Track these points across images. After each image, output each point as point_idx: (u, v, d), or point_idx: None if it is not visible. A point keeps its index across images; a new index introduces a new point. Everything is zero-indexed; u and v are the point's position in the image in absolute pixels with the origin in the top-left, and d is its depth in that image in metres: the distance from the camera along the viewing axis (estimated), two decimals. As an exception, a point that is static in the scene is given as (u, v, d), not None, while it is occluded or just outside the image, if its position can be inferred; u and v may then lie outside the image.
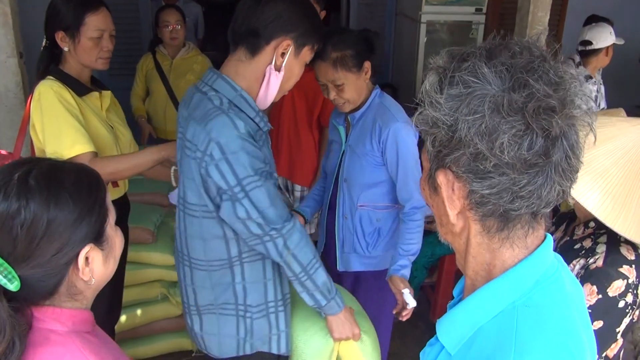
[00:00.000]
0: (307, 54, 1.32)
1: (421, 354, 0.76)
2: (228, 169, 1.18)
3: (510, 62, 0.59)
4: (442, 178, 0.64)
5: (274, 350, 1.42)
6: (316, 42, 1.33)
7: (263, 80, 1.28)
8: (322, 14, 2.35)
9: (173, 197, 1.88)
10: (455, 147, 0.61)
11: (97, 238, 0.85)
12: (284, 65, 1.27)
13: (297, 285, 1.34)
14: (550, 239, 0.68)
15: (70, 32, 1.64)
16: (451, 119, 0.60)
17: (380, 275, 1.81)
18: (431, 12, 4.18)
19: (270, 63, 1.26)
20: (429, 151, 0.66)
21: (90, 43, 1.66)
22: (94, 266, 0.85)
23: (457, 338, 0.67)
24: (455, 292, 0.78)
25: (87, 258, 0.83)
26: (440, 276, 2.86)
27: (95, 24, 1.66)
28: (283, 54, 1.26)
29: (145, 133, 3.14)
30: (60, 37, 1.65)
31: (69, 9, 1.63)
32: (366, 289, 1.90)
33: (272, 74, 1.27)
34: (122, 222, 1.92)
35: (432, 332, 0.74)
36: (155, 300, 2.46)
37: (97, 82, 1.83)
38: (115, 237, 0.90)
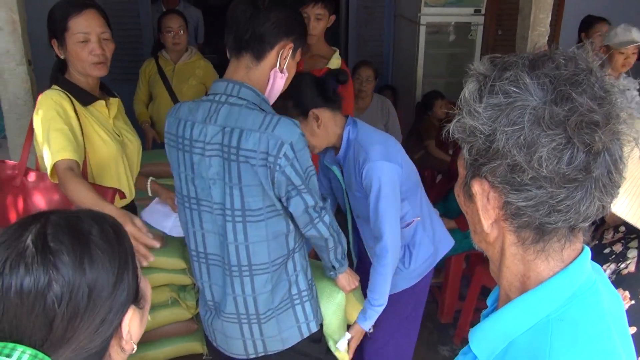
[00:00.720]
0: (299, 55, 1.40)
1: None
2: (299, 166, 1.26)
3: (554, 74, 0.58)
4: (477, 187, 0.64)
5: (320, 320, 1.55)
6: (305, 44, 1.42)
7: (268, 84, 1.33)
8: (332, 19, 2.38)
9: (146, 215, 1.89)
10: (492, 158, 0.60)
11: (136, 296, 0.71)
12: (285, 67, 1.33)
13: (331, 254, 1.48)
14: (587, 251, 0.67)
15: (60, 39, 1.59)
16: (489, 128, 0.59)
17: (412, 289, 1.85)
18: (430, 14, 4.21)
19: (275, 66, 1.31)
20: (465, 159, 0.65)
21: (77, 48, 1.58)
22: (132, 330, 0.70)
23: (490, 349, 0.66)
24: (489, 301, 0.78)
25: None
26: (447, 276, 2.88)
27: (78, 27, 1.57)
28: (285, 57, 1.33)
29: (149, 138, 3.15)
30: (55, 45, 1.61)
31: (55, 15, 1.57)
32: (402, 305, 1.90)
33: (278, 76, 1.33)
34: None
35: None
36: (166, 305, 2.46)
37: (106, 89, 1.79)
38: (147, 288, 0.76)
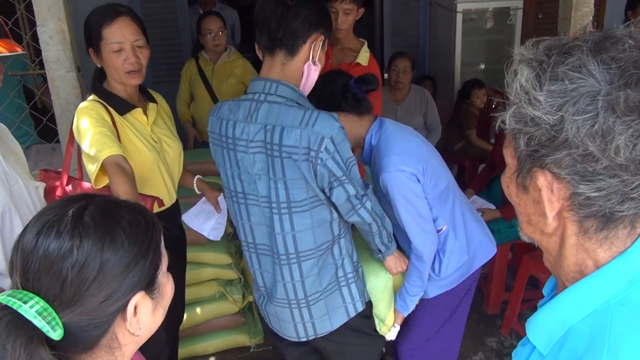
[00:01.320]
0: (327, 46, 1.45)
1: (513, 354, 0.74)
2: (340, 158, 1.30)
3: (622, 57, 0.55)
4: (542, 180, 0.61)
5: (367, 299, 1.61)
6: (330, 35, 1.46)
7: (302, 77, 1.38)
8: (361, 12, 2.36)
9: (188, 218, 1.95)
10: (558, 148, 0.57)
11: (149, 285, 0.76)
12: (317, 58, 1.38)
13: (376, 237, 1.51)
14: None
15: (95, 49, 1.59)
16: (554, 118, 0.56)
17: (451, 293, 1.82)
18: (467, 1, 4.13)
19: (308, 59, 1.36)
20: (519, 150, 0.62)
21: (112, 57, 1.57)
22: (142, 317, 0.76)
23: (548, 338, 0.64)
24: (545, 290, 0.76)
25: (135, 307, 0.74)
26: (492, 267, 2.83)
27: (112, 36, 1.56)
28: (317, 49, 1.37)
29: (191, 137, 3.23)
30: (92, 53, 1.62)
31: (89, 24, 1.57)
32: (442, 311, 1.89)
33: (312, 69, 1.37)
34: (176, 229, 1.96)
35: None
36: (213, 298, 2.54)
37: (146, 94, 1.77)
38: (167, 284, 0.82)
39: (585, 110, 0.55)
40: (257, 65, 3.36)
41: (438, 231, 1.73)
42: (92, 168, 1.51)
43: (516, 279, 2.66)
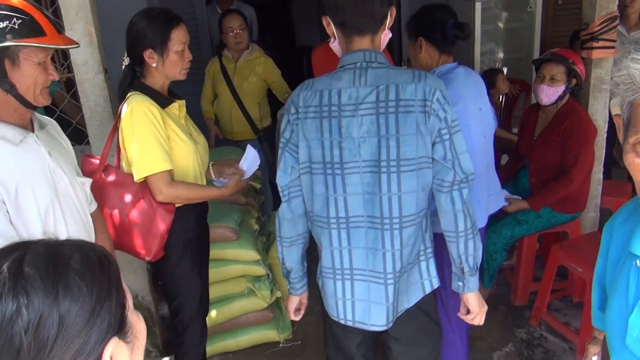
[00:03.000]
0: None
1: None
2: (449, 109, 1.38)
3: None
4: None
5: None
6: None
7: (382, 44, 1.48)
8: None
9: (244, 164, 2.02)
10: None
11: (121, 328, 0.66)
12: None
13: (461, 244, 1.43)
14: None
15: (159, 49, 1.76)
16: None
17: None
18: (485, -11, 4.08)
19: (385, 30, 1.47)
20: None
21: (176, 56, 1.79)
22: None
23: None
24: (636, 248, 0.78)
25: (111, 358, 0.63)
26: (519, 258, 2.81)
27: (179, 38, 1.78)
28: (391, 21, 1.47)
29: (212, 135, 3.27)
30: (148, 54, 1.76)
31: (155, 28, 1.75)
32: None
33: (388, 35, 1.48)
34: (203, 221, 2.05)
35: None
36: (242, 295, 2.56)
37: (172, 93, 1.93)
38: (138, 323, 0.71)
39: None
40: (278, 62, 3.38)
41: None
42: (140, 168, 1.71)
43: (545, 269, 2.64)
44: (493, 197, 2.07)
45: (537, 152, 2.70)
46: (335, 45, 1.48)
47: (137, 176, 1.74)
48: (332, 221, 1.45)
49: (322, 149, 1.42)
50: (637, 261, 0.75)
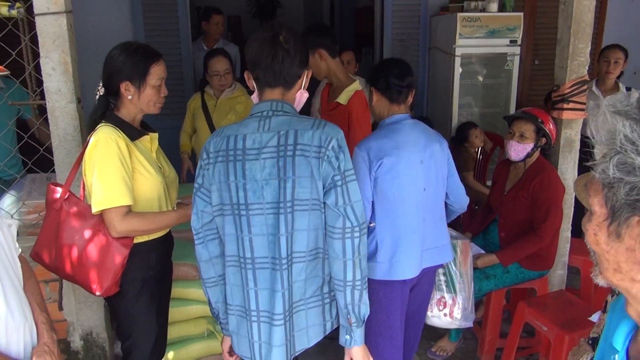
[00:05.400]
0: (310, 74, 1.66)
1: None
2: (343, 158, 1.44)
3: None
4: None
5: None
6: None
7: (295, 101, 1.58)
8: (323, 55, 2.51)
9: None
10: None
11: None
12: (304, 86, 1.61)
13: (348, 294, 1.46)
14: None
15: (137, 82, 1.77)
16: None
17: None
18: (465, 45, 4.22)
19: (300, 88, 1.58)
20: (614, 198, 0.64)
21: (153, 91, 1.81)
22: None
23: None
24: (616, 342, 0.75)
25: None
26: (487, 313, 2.78)
27: (158, 73, 1.81)
28: (307, 80, 1.60)
29: (184, 169, 3.24)
30: (125, 86, 1.76)
31: (135, 61, 1.77)
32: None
33: (304, 95, 1.60)
34: (166, 259, 2.01)
35: None
36: (202, 337, 2.47)
37: (145, 126, 1.93)
38: None
39: None
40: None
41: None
42: (100, 200, 1.68)
43: (511, 326, 2.61)
44: (434, 250, 2.07)
45: (507, 207, 2.73)
46: (254, 97, 1.57)
47: (94, 209, 1.71)
48: (240, 263, 1.51)
49: (229, 192, 1.48)
50: (616, 355, 0.73)
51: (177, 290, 2.38)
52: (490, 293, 2.72)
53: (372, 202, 1.96)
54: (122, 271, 1.76)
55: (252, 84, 1.56)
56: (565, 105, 2.71)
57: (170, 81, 4.38)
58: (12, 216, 2.31)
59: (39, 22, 2.06)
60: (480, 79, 4.46)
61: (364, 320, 1.49)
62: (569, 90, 2.67)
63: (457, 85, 4.32)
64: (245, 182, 1.45)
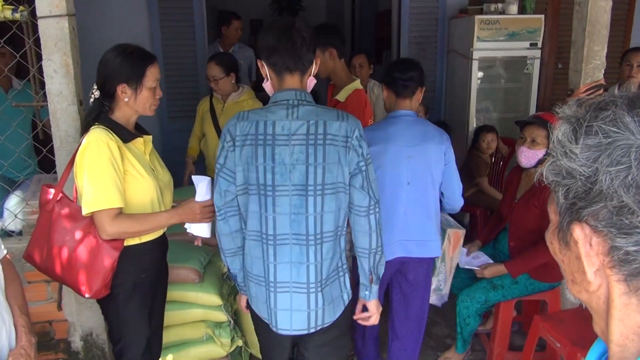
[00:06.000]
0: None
1: None
2: (364, 145, 1.61)
3: None
4: (578, 232, 0.60)
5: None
6: None
7: (308, 86, 1.71)
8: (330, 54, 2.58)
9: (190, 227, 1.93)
10: (594, 200, 0.57)
11: None
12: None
13: (371, 259, 1.68)
14: None
15: (133, 84, 1.78)
16: (589, 170, 0.57)
17: None
18: (483, 49, 4.12)
19: (311, 75, 1.71)
20: (559, 203, 0.63)
21: (149, 92, 1.82)
22: None
23: None
24: (591, 357, 0.70)
25: None
26: (495, 324, 2.69)
27: (154, 75, 1.82)
28: (317, 66, 1.73)
29: (187, 172, 3.24)
30: (121, 89, 1.76)
31: (131, 63, 1.77)
32: None
33: (313, 81, 1.72)
34: (161, 262, 1.99)
35: None
36: (201, 341, 2.46)
37: (140, 128, 1.93)
38: None
39: (619, 162, 0.55)
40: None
41: None
42: (91, 201, 1.69)
43: (526, 340, 2.51)
44: (415, 243, 2.23)
45: (518, 215, 2.63)
46: (267, 85, 1.68)
47: (84, 211, 1.71)
48: (261, 237, 1.63)
49: (256, 172, 1.59)
50: None
51: (176, 294, 2.38)
52: (500, 304, 2.62)
53: None
54: (112, 274, 1.76)
55: (265, 71, 1.66)
56: (580, 110, 2.60)
57: (185, 84, 4.47)
58: (15, 216, 2.35)
59: (41, 24, 2.09)
60: (500, 82, 4.34)
61: (379, 278, 1.73)
62: (584, 94, 2.56)
63: (474, 89, 4.23)
64: (274, 165, 1.57)
